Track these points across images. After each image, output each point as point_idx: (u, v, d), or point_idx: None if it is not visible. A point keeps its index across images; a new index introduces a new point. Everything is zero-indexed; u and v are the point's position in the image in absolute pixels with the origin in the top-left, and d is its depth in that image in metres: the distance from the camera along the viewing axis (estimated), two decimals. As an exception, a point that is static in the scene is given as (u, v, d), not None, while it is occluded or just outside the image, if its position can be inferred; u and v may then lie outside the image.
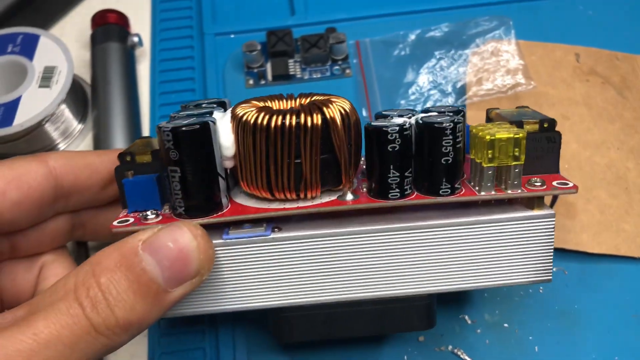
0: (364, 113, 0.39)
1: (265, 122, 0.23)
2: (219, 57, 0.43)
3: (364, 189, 0.26)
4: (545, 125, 0.26)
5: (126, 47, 0.42)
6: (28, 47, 0.39)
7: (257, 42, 0.41)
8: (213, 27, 0.44)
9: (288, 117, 0.23)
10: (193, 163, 0.23)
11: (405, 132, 0.24)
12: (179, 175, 0.23)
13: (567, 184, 0.26)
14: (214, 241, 0.24)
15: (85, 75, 0.43)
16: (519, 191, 0.25)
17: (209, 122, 0.24)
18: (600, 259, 0.34)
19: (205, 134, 0.23)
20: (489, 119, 0.29)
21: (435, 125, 0.23)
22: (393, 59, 0.41)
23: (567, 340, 0.32)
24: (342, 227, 0.25)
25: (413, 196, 0.25)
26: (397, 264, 0.25)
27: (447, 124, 0.23)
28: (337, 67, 0.41)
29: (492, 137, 0.24)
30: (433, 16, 0.43)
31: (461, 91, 0.39)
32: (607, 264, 0.34)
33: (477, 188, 0.25)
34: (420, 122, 0.24)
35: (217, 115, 0.25)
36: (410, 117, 0.25)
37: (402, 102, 0.39)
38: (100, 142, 0.39)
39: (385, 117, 0.26)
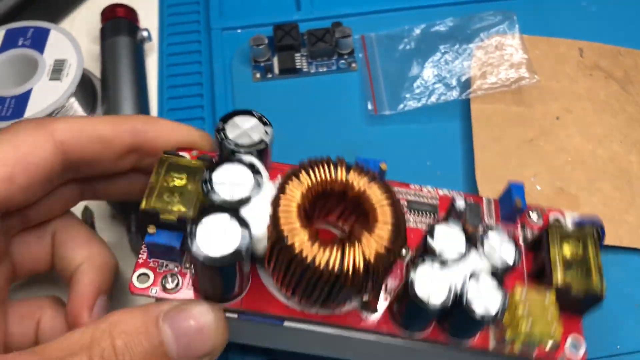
0: (369, 106, 0.39)
1: (309, 261, 0.21)
2: (225, 52, 0.44)
3: (387, 300, 0.25)
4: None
5: (135, 41, 0.43)
6: (39, 41, 0.40)
7: (264, 36, 0.41)
8: (220, 22, 0.45)
9: (333, 262, 0.21)
10: (213, 277, 0.23)
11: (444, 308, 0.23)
12: (200, 277, 0.23)
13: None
14: (228, 315, 0.24)
15: (95, 69, 0.44)
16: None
17: (241, 251, 0.21)
18: (603, 250, 0.34)
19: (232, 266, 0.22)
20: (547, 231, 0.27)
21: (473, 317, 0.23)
22: (398, 53, 0.41)
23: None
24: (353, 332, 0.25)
25: (429, 332, 0.25)
26: None
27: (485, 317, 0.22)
28: (343, 61, 0.42)
29: (529, 334, 0.23)
30: (438, 11, 0.44)
31: (465, 85, 0.39)
32: (610, 255, 0.34)
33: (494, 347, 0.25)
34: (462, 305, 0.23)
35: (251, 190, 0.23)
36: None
37: (407, 95, 0.39)
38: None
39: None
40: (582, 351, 0.26)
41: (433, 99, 0.39)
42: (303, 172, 0.23)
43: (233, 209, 0.22)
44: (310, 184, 0.23)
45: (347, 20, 0.43)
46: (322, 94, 0.41)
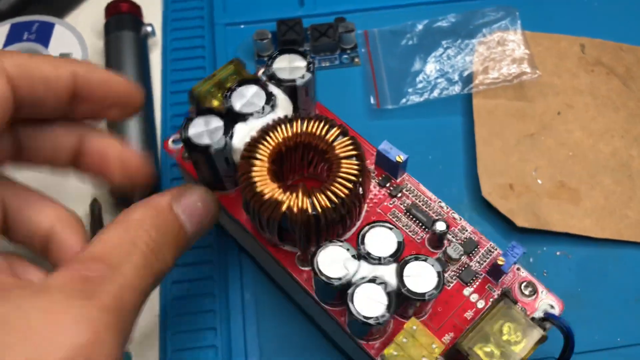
0: (372, 100, 0.40)
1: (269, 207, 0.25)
2: (229, 47, 0.44)
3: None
4: None
5: (139, 36, 0.43)
6: (43, 35, 0.40)
7: (268, 31, 0.42)
8: (223, 18, 0.45)
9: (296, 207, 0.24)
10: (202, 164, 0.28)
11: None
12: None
13: None
14: None
15: (101, 63, 0.44)
16: None
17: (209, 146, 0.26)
18: (604, 244, 0.35)
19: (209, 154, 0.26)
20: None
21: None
22: (401, 49, 0.41)
23: (570, 322, 0.33)
24: None
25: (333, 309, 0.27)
26: None
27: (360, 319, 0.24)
28: (345, 56, 0.42)
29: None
30: (440, 7, 0.44)
31: (467, 80, 0.39)
32: (610, 249, 0.35)
33: None
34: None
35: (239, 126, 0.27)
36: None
37: (410, 89, 0.39)
38: (113, 127, 0.40)
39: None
40: None
41: (435, 93, 0.39)
42: (274, 128, 0.26)
43: (232, 117, 0.27)
44: (282, 138, 0.26)
45: (351, 15, 0.44)
46: (325, 88, 0.41)
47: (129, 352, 0.33)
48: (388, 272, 0.24)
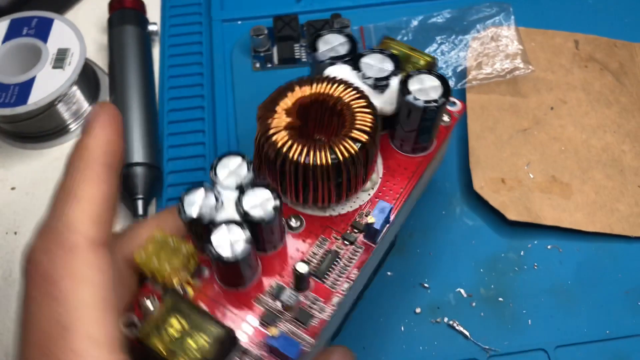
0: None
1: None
2: (226, 43, 0.44)
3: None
4: None
5: (143, 32, 0.43)
6: (42, 30, 0.41)
7: (264, 27, 0.42)
8: (221, 14, 0.46)
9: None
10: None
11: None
12: None
13: None
14: None
15: (99, 60, 0.45)
16: None
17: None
18: (594, 238, 0.35)
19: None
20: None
21: None
22: (395, 44, 0.42)
23: (560, 314, 0.33)
24: None
25: None
26: None
27: None
28: (341, 52, 0.42)
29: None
30: (435, 4, 0.44)
31: (461, 75, 0.40)
32: (600, 242, 0.35)
33: None
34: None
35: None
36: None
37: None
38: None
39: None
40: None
41: (429, 88, 0.39)
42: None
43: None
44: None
45: (346, 12, 0.44)
46: (320, 84, 0.41)
47: None
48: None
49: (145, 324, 0.22)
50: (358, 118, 0.25)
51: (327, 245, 0.26)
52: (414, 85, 0.26)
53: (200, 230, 0.23)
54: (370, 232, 0.25)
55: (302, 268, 0.23)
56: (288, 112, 0.25)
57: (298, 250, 0.26)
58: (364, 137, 0.24)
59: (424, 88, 0.26)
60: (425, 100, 0.26)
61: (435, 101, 0.26)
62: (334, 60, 0.28)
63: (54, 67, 0.39)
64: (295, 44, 0.43)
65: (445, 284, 0.34)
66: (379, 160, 0.28)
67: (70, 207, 0.22)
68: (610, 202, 0.36)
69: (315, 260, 0.25)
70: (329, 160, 0.24)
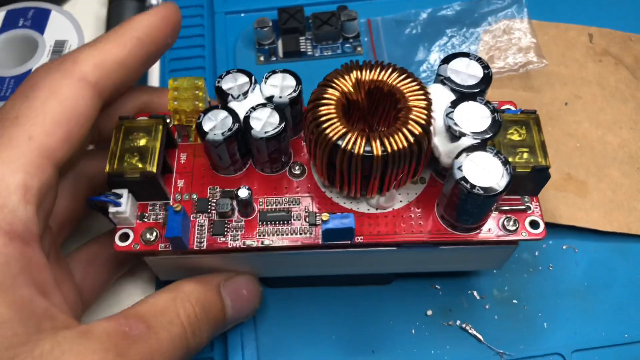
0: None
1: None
2: (229, 36, 0.43)
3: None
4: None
5: (144, 7, 0.42)
6: (39, 22, 0.40)
7: (269, 19, 0.41)
8: (223, 6, 0.44)
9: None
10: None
11: None
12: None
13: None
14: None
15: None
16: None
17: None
18: (611, 237, 0.34)
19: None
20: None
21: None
22: (404, 38, 0.40)
23: (576, 317, 0.32)
24: None
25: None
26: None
27: None
28: (348, 45, 0.41)
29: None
30: (445, -5, 0.43)
31: (472, 69, 0.38)
32: (618, 242, 0.34)
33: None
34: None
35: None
36: None
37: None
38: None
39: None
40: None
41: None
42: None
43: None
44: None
45: (353, 4, 0.43)
46: (326, 78, 0.40)
47: None
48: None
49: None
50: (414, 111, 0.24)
51: (293, 208, 0.27)
52: (474, 159, 0.23)
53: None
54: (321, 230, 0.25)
55: (243, 193, 0.25)
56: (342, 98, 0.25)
57: (277, 188, 0.27)
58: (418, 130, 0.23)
59: (482, 168, 0.23)
60: (468, 182, 0.22)
61: (474, 188, 0.22)
62: (458, 87, 0.25)
63: (52, 59, 0.38)
64: (301, 36, 0.41)
65: (457, 285, 0.33)
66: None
67: (85, 50, 0.25)
68: (628, 201, 0.34)
69: (274, 207, 0.27)
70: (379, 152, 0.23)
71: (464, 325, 0.32)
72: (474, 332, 0.31)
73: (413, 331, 0.32)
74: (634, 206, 0.34)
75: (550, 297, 0.32)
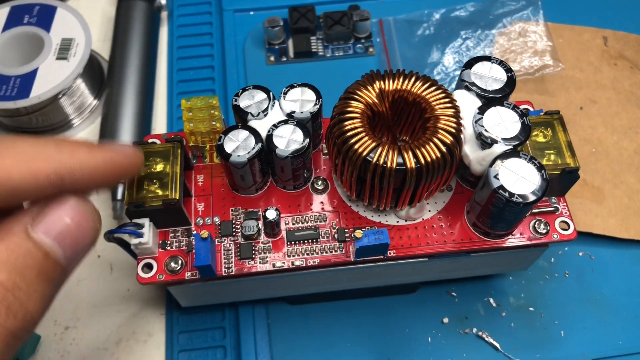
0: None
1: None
2: (238, 34, 0.42)
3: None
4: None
5: (152, 8, 0.41)
6: (45, 19, 0.39)
7: (279, 18, 0.40)
8: (232, 4, 0.44)
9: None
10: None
11: None
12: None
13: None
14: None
15: (104, 52, 0.42)
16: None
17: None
18: (629, 245, 0.34)
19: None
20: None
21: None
22: (417, 38, 0.40)
23: (594, 325, 0.32)
24: None
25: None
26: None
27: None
28: (360, 46, 0.40)
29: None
30: (458, -4, 0.42)
31: (487, 72, 0.38)
32: (635, 250, 0.34)
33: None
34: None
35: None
36: None
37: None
38: (110, 107, 0.38)
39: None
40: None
41: (454, 86, 0.38)
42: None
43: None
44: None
45: (365, 3, 0.42)
46: (338, 79, 0.39)
47: (38, 334, 0.31)
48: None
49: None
50: (442, 120, 0.23)
51: (320, 225, 0.26)
52: (509, 165, 0.23)
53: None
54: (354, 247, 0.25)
55: (271, 215, 0.24)
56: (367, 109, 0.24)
57: (301, 205, 0.26)
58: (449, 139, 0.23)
59: (517, 174, 0.23)
60: (507, 191, 0.22)
61: (513, 196, 0.22)
62: (484, 92, 0.25)
63: (58, 58, 0.37)
64: (312, 36, 0.41)
65: (473, 292, 0.32)
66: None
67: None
68: (645, 208, 0.34)
69: (301, 225, 0.26)
70: (413, 164, 0.22)
71: (480, 333, 0.31)
72: (491, 340, 0.31)
73: (429, 339, 0.31)
74: (650, 213, 0.34)
75: (566, 304, 0.32)
